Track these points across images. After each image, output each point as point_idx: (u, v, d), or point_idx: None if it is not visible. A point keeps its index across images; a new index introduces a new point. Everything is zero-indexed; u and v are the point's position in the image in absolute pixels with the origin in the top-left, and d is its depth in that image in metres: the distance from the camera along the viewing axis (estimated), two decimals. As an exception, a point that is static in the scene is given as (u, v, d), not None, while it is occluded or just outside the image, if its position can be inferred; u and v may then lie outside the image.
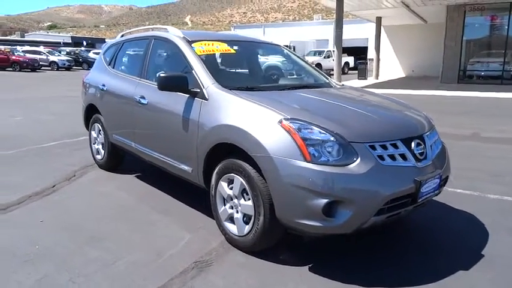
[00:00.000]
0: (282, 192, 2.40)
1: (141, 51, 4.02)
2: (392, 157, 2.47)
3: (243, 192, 2.69)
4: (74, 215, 3.40)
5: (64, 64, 31.12)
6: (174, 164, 3.33)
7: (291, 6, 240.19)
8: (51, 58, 31.44)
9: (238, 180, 2.69)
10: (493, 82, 15.74)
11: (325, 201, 2.28)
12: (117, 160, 4.63)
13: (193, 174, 3.14)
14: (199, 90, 3.05)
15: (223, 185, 2.84)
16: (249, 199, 2.65)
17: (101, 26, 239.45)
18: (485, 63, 16.10)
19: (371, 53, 26.98)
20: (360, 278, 2.44)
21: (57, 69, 30.61)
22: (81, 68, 32.94)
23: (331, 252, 2.78)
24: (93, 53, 34.60)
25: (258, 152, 2.48)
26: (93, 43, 60.78)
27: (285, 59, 4.29)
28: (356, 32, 33.39)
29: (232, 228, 2.83)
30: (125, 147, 4.13)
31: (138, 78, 3.84)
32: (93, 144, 4.80)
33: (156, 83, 3.33)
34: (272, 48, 4.24)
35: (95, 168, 4.74)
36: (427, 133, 2.81)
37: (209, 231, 3.07)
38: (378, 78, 21.79)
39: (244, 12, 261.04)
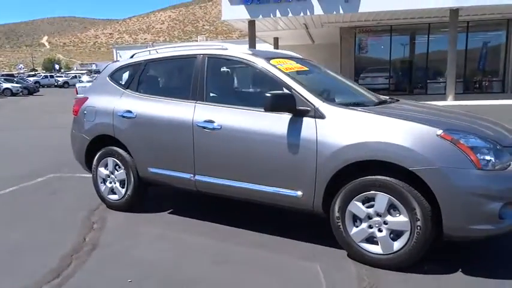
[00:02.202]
0: (455, 201, 2.42)
1: (186, 71, 3.60)
2: None
3: (390, 208, 2.63)
4: (178, 273, 2.84)
5: None
6: (270, 191, 3.05)
7: (160, 28, 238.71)
8: None
9: (384, 197, 2.61)
10: (380, 94, 18.00)
11: (500, 204, 2.39)
12: (141, 198, 4.01)
13: (303, 199, 2.92)
14: (309, 109, 2.88)
15: (358, 204, 2.72)
16: (398, 214, 2.60)
17: None
18: (373, 77, 18.44)
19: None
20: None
21: None
22: None
23: (463, 256, 2.88)
24: None
25: (420, 166, 2.46)
26: None
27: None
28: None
29: (372, 248, 2.72)
30: (172, 182, 3.61)
31: (194, 101, 3.42)
32: (103, 183, 4.06)
33: (226, 105, 3.15)
34: (313, 65, 4.17)
35: (110, 212, 4.00)
36: None
37: (334, 260, 2.88)
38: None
39: (110, 33, 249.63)
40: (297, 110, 2.89)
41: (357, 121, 2.76)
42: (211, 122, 3.25)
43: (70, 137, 4.41)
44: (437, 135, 2.50)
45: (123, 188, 3.94)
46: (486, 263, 2.80)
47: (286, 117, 2.96)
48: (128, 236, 3.42)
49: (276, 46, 22.37)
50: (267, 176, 3.06)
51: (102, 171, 4.04)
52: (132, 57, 4.14)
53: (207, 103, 3.37)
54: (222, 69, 3.55)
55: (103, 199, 4.10)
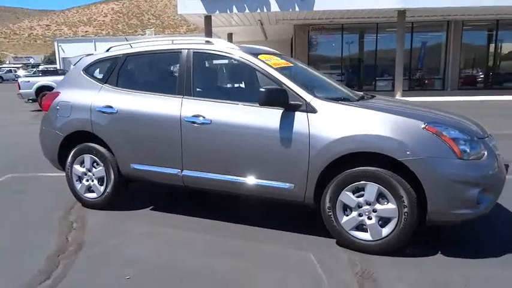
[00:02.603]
0: (439, 189, 2.64)
1: (170, 66, 3.57)
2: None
3: (379, 197, 2.81)
4: (177, 262, 2.82)
5: None
6: (262, 184, 3.13)
7: (103, 20, 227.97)
8: None
9: (374, 186, 2.79)
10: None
11: (478, 190, 2.65)
12: (121, 196, 3.91)
13: (295, 190, 3.03)
14: (301, 104, 2.99)
15: (348, 194, 2.88)
16: (386, 203, 2.79)
17: None
18: (326, 74, 18.97)
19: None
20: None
21: None
22: None
23: (442, 239, 3.14)
24: None
25: (408, 156, 2.66)
26: None
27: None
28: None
29: (362, 235, 2.89)
30: (156, 178, 3.57)
31: (180, 96, 3.40)
32: (78, 181, 3.90)
33: (212, 100, 3.21)
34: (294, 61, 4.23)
35: (87, 211, 3.86)
36: None
37: (324, 248, 3.02)
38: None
39: (47, 25, 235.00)
40: (289, 105, 2.99)
41: (347, 115, 2.91)
42: (200, 116, 3.26)
43: (39, 134, 4.19)
44: (423, 127, 2.71)
45: (101, 185, 3.82)
46: (463, 245, 3.06)
47: (277, 111, 3.04)
48: (113, 234, 3.34)
49: (230, 42, 22.31)
50: (259, 169, 3.13)
51: (78, 168, 3.89)
52: (107, 50, 4.01)
53: (194, 98, 3.37)
54: (208, 64, 3.56)
55: (79, 198, 3.95)
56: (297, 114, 2.99)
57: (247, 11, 14.33)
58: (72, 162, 3.90)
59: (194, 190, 3.57)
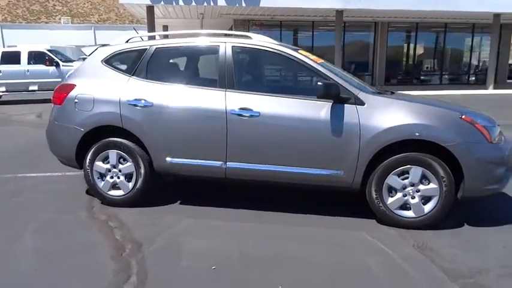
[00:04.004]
0: (476, 168, 3.09)
1: (208, 60, 3.59)
2: None
3: (421, 178, 3.19)
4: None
5: None
6: (312, 173, 3.33)
7: None
8: None
9: (418, 170, 3.16)
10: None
11: (504, 168, 3.16)
12: (149, 192, 3.82)
13: (344, 177, 3.29)
14: (350, 97, 3.24)
15: (394, 177, 3.22)
16: (428, 183, 3.18)
17: None
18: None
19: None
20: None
21: None
22: None
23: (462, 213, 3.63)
24: None
25: (451, 142, 3.07)
26: None
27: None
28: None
29: (406, 213, 3.26)
30: (196, 171, 3.57)
31: (222, 89, 3.45)
32: (100, 178, 3.73)
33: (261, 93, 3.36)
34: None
35: (114, 209, 3.71)
36: None
37: (373, 228, 3.33)
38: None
39: None
40: (340, 98, 3.23)
41: (391, 107, 3.24)
42: (248, 109, 3.35)
43: (48, 130, 3.91)
44: (460, 117, 3.15)
45: (129, 182, 3.71)
46: (477, 217, 3.58)
47: (325, 104, 3.27)
48: (162, 229, 3.29)
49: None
50: (308, 158, 3.33)
51: (101, 165, 3.72)
52: (128, 41, 3.87)
53: (238, 91, 3.44)
54: (249, 58, 3.64)
55: (101, 196, 3.78)
56: (347, 106, 3.24)
57: (193, 4, 14.15)
58: (94, 159, 3.71)
59: (235, 182, 3.63)
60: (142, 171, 3.65)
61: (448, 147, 3.08)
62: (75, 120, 3.69)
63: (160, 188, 4.26)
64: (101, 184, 3.75)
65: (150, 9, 14.61)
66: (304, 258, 2.80)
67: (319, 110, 3.27)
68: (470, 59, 20.61)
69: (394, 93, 4.03)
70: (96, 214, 3.61)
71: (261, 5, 14.31)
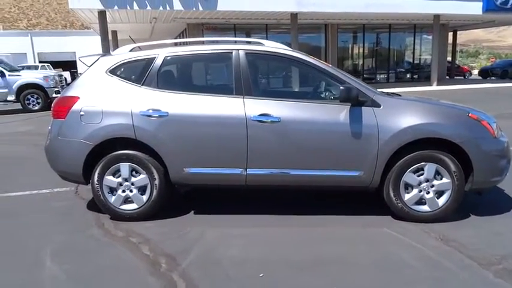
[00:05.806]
0: (484, 162, 3.37)
1: (220, 67, 3.56)
2: None
3: (435, 174, 3.41)
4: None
5: None
6: (329, 174, 3.43)
7: None
8: None
9: (432, 166, 3.38)
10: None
11: (506, 160, 3.47)
12: (163, 204, 3.71)
13: (363, 177, 3.43)
14: (366, 100, 3.39)
15: (411, 175, 3.41)
16: (441, 178, 3.41)
17: None
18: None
19: (81, 67, 26.00)
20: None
21: None
22: None
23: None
24: None
25: (462, 139, 3.32)
26: None
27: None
28: (63, 45, 30.80)
29: (422, 208, 3.47)
30: (215, 180, 3.53)
31: (240, 96, 3.44)
32: (110, 193, 3.57)
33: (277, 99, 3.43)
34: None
35: (125, 224, 3.57)
36: None
37: (391, 223, 3.50)
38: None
39: None
40: (359, 101, 3.36)
41: (405, 108, 3.43)
42: (268, 115, 3.38)
43: (49, 146, 3.67)
44: (468, 115, 3.41)
45: (142, 194, 3.58)
46: (480, 208, 3.89)
47: (343, 107, 3.39)
48: (190, 241, 3.22)
49: (116, 40, 20.94)
50: (328, 161, 3.43)
51: (111, 179, 3.56)
52: (131, 50, 3.74)
53: (256, 97, 3.46)
54: (263, 65, 3.66)
55: (112, 211, 3.62)
56: (364, 109, 3.39)
57: (148, 8, 13.80)
58: (103, 173, 3.54)
59: (251, 188, 3.63)
60: (157, 182, 3.54)
61: (460, 143, 3.33)
62: (82, 134, 3.50)
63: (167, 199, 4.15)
64: (111, 199, 3.59)
65: (102, 14, 14.03)
66: (345, 259, 2.89)
67: (339, 113, 3.38)
68: (413, 58, 22.07)
69: (400, 95, 4.27)
70: (112, 231, 3.45)
71: (218, 8, 14.28)
